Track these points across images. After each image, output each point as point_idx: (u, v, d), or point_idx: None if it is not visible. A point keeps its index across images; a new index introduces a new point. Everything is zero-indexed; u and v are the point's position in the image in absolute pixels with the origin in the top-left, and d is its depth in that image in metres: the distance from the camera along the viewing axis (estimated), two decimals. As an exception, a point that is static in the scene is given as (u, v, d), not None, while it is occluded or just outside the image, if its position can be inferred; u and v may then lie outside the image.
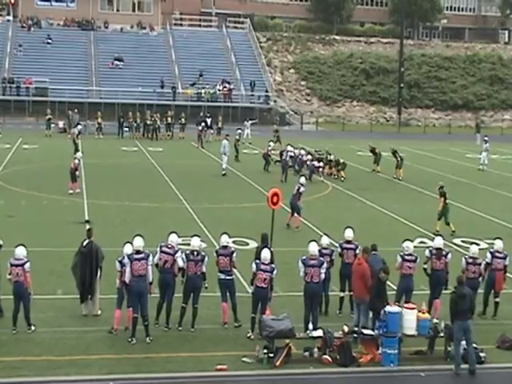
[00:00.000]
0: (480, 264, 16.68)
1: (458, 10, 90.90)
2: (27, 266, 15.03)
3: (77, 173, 30.16)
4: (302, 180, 25.93)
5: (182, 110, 56.72)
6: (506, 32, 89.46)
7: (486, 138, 42.12)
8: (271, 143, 38.84)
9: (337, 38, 77.65)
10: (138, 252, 14.91)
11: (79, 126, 46.03)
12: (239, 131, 39.84)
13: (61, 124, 53.01)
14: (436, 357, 14.57)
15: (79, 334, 15.00)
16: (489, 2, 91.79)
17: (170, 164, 38.57)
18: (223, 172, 35.70)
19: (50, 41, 66.95)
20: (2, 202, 27.32)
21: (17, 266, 15.00)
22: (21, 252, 15.16)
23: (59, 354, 13.95)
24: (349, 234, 17.18)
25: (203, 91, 63.79)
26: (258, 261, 15.47)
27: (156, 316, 15.52)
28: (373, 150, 38.64)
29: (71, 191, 29.33)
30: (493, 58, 77.27)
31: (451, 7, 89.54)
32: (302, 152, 36.33)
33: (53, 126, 51.71)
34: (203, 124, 49.39)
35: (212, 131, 51.41)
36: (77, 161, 30.66)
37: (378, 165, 38.16)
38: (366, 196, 31.34)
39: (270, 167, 36.92)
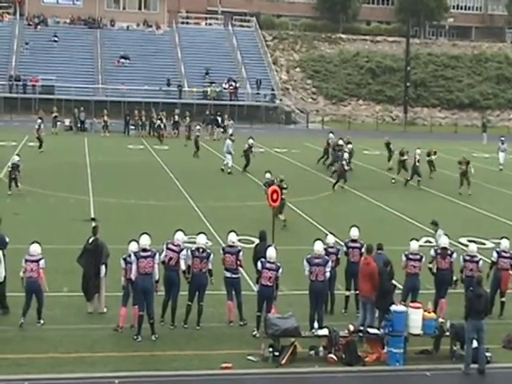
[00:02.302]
0: (478, 262, 16.68)
1: (465, 9, 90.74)
2: (42, 262, 15.25)
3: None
4: None
5: (188, 108, 56.75)
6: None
7: (502, 139, 41.93)
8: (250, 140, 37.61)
9: (343, 36, 77.61)
10: (144, 250, 14.94)
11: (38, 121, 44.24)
12: (251, 141, 37.16)
13: (67, 122, 53.11)
14: (441, 356, 14.57)
15: (85, 332, 15.03)
16: (496, 0, 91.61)
17: (175, 162, 38.59)
18: (228, 170, 35.70)
19: (56, 39, 67.06)
20: (9, 201, 27.38)
21: (32, 261, 15.19)
22: (34, 249, 15.35)
23: (65, 352, 13.99)
24: (354, 232, 17.19)
25: (209, 89, 63.81)
26: (263, 259, 15.47)
27: (162, 314, 15.54)
28: (388, 145, 38.65)
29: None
30: (499, 57, 77.17)
31: (458, 6, 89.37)
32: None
33: (59, 123, 51.85)
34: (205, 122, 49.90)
35: (222, 130, 51.36)
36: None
37: (389, 161, 38.15)
38: (371, 195, 31.32)
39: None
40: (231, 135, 39.44)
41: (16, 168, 28.73)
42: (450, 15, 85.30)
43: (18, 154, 30.45)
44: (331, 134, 39.69)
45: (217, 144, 46.22)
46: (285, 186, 24.72)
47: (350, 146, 36.65)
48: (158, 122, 49.87)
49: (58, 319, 15.58)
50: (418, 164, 33.88)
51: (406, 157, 34.84)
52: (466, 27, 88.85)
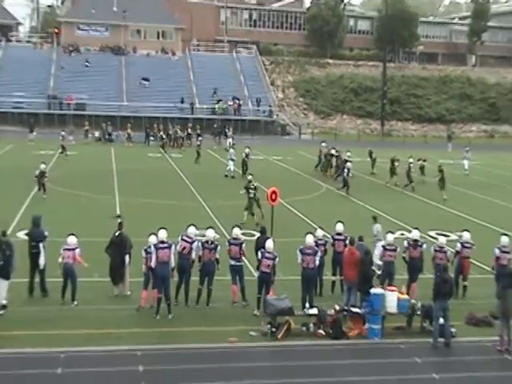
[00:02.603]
0: (446, 252, 16.68)
1: (433, 38, 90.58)
2: (78, 251, 15.58)
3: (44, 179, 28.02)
4: None
5: (199, 122, 56.77)
6: (473, 56, 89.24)
7: (467, 149, 41.78)
8: (247, 149, 37.20)
9: (330, 61, 77.52)
10: (162, 242, 14.99)
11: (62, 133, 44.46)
12: (247, 150, 36.56)
13: (97, 134, 53.14)
14: (413, 331, 14.62)
15: (112, 312, 15.06)
16: (459, 31, 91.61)
17: (188, 168, 38.60)
18: (231, 174, 35.65)
19: (87, 64, 67.04)
20: (48, 201, 27.38)
21: (68, 250, 15.46)
22: (71, 240, 15.65)
23: (95, 328, 14.02)
24: (339, 227, 17.23)
25: (216, 106, 63.82)
26: (262, 249, 15.52)
27: (175, 296, 15.54)
28: (370, 153, 38.66)
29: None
30: (462, 79, 77.10)
31: (426, 35, 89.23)
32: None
33: (90, 135, 51.90)
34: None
35: (231, 140, 51.14)
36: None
37: (373, 167, 38.19)
38: (355, 196, 31.30)
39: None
40: (233, 144, 39.39)
41: (43, 175, 27.92)
42: (420, 43, 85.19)
43: (43, 162, 29.19)
44: (323, 144, 39.60)
45: (225, 153, 46.27)
46: (252, 186, 24.57)
47: (348, 153, 36.19)
48: (179, 133, 50.02)
49: (89, 301, 15.61)
50: (413, 170, 33.78)
51: (396, 163, 34.84)
52: (433, 53, 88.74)
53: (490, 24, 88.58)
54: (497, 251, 16.82)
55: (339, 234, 17.08)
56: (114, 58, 69.52)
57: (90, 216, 24.70)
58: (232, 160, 36.11)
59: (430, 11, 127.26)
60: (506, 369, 13.09)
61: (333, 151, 37.29)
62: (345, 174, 32.01)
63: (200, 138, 44.92)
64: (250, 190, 24.46)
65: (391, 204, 29.45)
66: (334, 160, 37.16)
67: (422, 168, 35.86)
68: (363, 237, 16.60)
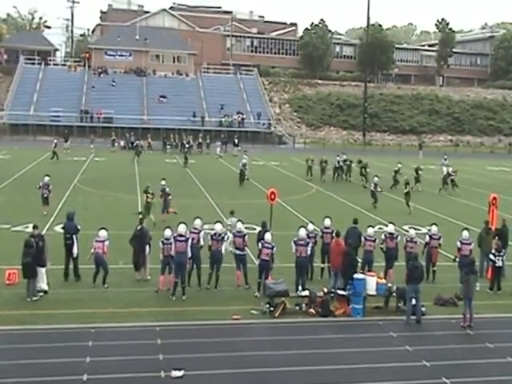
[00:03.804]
0: (416, 242, 16.67)
1: (406, 62, 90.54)
2: (107, 243, 15.56)
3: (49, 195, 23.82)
4: None
5: (208, 133, 56.74)
6: (441, 77, 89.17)
7: (445, 156, 40.71)
8: (245, 157, 36.10)
9: (319, 81, 77.44)
10: (180, 235, 14.98)
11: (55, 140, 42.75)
12: (244, 160, 34.38)
13: (122, 143, 53.11)
14: (390, 310, 14.59)
15: (134, 294, 15.06)
16: (428, 56, 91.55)
17: (199, 172, 38.58)
18: (246, 177, 34.34)
19: (114, 83, 67.06)
20: (80, 199, 27.41)
21: (99, 241, 15.48)
22: (102, 233, 15.65)
23: (120, 307, 14.03)
24: (327, 222, 17.20)
25: (223, 120, 63.78)
26: (262, 241, 15.51)
27: (188, 280, 15.53)
28: (345, 161, 38.08)
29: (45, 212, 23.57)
30: (431, 96, 76.93)
31: (401, 59, 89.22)
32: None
33: (116, 144, 51.87)
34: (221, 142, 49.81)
35: (239, 148, 50.97)
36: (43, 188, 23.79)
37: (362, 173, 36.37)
38: (340, 195, 31.30)
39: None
40: (245, 151, 38.57)
41: (47, 187, 23.76)
42: (396, 66, 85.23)
43: (47, 175, 24.72)
44: (343, 155, 37.27)
45: (232, 159, 46.28)
46: (150, 191, 22.59)
47: (399, 165, 34.39)
48: (190, 142, 49.86)
49: (116, 284, 15.60)
50: (400, 174, 33.26)
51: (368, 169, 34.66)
52: (407, 75, 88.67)
53: (455, 50, 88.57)
54: (459, 243, 16.83)
55: (327, 227, 17.05)
56: (137, 78, 69.52)
57: (116, 212, 24.69)
58: (244, 162, 34.84)
59: (404, 39, 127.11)
60: (468, 342, 13.06)
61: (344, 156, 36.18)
62: (372, 188, 28.76)
63: (187, 146, 44.32)
64: (148, 195, 22.45)
65: (370, 202, 29.40)
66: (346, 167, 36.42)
67: (416, 178, 34.35)
68: (357, 219, 17.32)
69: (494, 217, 19.47)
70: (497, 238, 17.27)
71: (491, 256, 16.50)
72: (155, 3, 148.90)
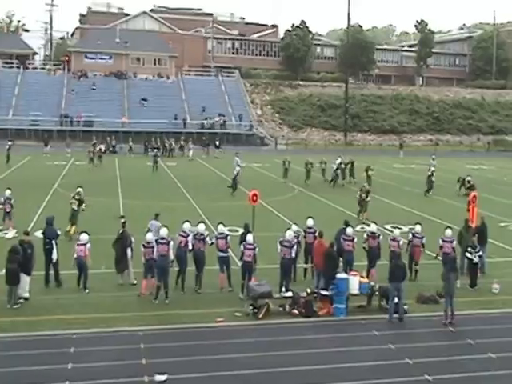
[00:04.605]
0: (399, 241, 16.76)
1: (386, 62, 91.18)
2: (88, 245, 15.51)
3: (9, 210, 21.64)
4: None
5: (190, 135, 56.58)
6: (420, 78, 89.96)
7: (433, 156, 40.57)
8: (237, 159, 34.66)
9: (300, 83, 77.61)
10: (162, 238, 14.96)
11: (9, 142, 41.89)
12: (238, 168, 32.22)
13: (102, 147, 52.59)
14: (372, 309, 14.65)
15: (117, 298, 14.95)
16: (408, 56, 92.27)
17: (181, 174, 38.45)
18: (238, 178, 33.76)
19: (94, 87, 66.62)
20: (61, 204, 27.06)
21: (81, 245, 15.43)
22: (83, 236, 15.59)
23: (103, 312, 13.90)
24: (310, 222, 17.24)
25: (205, 122, 63.66)
26: (244, 242, 15.52)
27: (175, 281, 15.53)
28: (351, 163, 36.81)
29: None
30: (411, 97, 77.51)
31: (381, 60, 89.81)
32: None
33: (97, 148, 51.28)
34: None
35: (221, 149, 50.99)
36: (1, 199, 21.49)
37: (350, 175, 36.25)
38: (323, 196, 31.38)
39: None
40: (237, 153, 37.50)
41: (8, 201, 21.63)
42: (376, 67, 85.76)
43: (9, 188, 22.59)
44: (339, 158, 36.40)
45: (214, 161, 46.25)
46: (77, 197, 21.59)
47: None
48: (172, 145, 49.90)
49: (98, 289, 15.47)
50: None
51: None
52: (387, 75, 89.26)
53: (434, 50, 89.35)
54: (441, 241, 16.97)
55: (310, 227, 17.10)
56: (117, 81, 69.14)
57: (98, 216, 24.48)
58: (239, 166, 34.11)
59: (384, 40, 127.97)
60: (449, 339, 13.17)
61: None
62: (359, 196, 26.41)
63: (156, 151, 43.07)
64: (73, 200, 21.42)
65: (352, 202, 29.49)
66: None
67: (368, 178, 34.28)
68: (348, 221, 17.43)
69: (473, 214, 19.67)
70: (476, 235, 17.46)
71: (467, 254, 16.66)
72: (135, 6, 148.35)
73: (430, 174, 33.76)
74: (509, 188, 36.16)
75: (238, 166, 33.81)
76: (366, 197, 25.85)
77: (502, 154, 62.24)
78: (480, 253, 16.80)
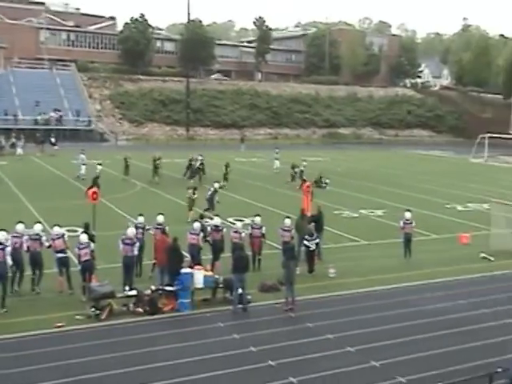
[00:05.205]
0: (241, 233, 17.25)
1: (227, 57, 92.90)
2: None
3: None
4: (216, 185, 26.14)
5: (22, 132, 53.15)
6: (260, 73, 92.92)
7: (276, 150, 41.13)
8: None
9: (141, 77, 76.38)
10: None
11: None
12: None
13: None
14: (217, 301, 14.93)
15: None
16: (247, 52, 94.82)
17: (13, 173, 36.09)
18: (83, 177, 33.59)
19: None
20: None
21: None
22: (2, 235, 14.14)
23: None
24: (160, 218, 17.29)
25: (39, 117, 60.30)
26: (77, 243, 15.09)
27: (11, 284, 14.72)
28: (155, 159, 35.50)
29: None
30: (251, 91, 79.74)
31: (222, 55, 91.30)
32: None
33: None
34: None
35: (57, 147, 48.48)
36: None
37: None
38: (165, 191, 31.25)
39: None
40: (83, 150, 35.66)
41: None
42: (217, 62, 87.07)
43: None
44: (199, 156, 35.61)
45: (50, 159, 43.96)
46: None
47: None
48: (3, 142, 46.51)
49: None
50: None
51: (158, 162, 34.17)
52: (228, 70, 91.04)
53: (271, 47, 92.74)
54: (280, 231, 17.74)
55: (160, 224, 17.06)
56: None
57: None
58: (84, 164, 33.60)
59: (224, 35, 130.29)
60: (290, 324, 13.82)
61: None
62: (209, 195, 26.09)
63: (56, 147, 41.03)
64: None
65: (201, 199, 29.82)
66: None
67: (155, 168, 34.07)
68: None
69: (308, 203, 20.77)
70: (313, 223, 18.47)
71: (305, 241, 17.57)
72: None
73: (298, 171, 34.75)
74: (343, 178, 38.60)
75: (84, 164, 33.40)
76: (193, 194, 25.38)
77: (335, 147, 66.35)
78: (317, 240, 17.78)
